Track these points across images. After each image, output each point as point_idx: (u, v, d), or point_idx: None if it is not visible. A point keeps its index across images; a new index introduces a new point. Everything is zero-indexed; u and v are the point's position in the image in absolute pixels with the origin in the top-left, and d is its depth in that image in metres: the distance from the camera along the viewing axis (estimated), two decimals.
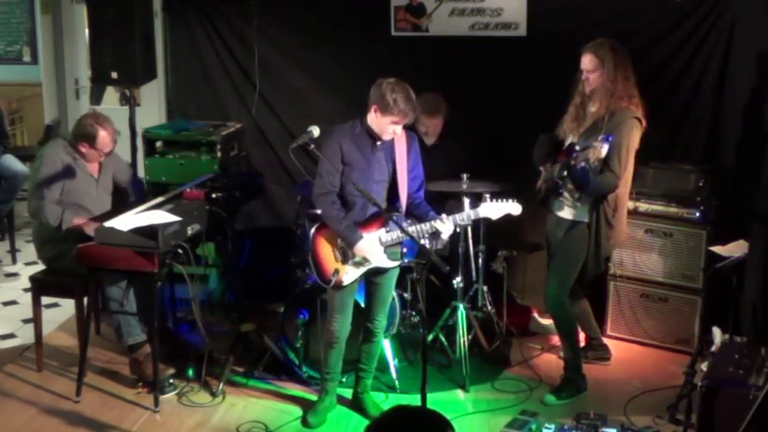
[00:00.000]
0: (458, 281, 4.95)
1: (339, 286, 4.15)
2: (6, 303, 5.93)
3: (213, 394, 4.59)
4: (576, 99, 4.45)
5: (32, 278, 4.88)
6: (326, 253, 4.17)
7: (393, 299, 4.67)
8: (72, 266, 4.52)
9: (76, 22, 7.92)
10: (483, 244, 5.07)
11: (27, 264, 6.51)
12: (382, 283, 4.26)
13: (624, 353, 5.13)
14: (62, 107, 8.13)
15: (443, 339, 5.01)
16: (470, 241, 5.05)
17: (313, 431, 4.32)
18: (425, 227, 4.07)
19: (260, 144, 6.09)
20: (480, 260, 5.10)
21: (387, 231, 4.12)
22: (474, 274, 5.14)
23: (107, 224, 4.25)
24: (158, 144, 5.73)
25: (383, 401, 4.55)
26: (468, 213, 4.19)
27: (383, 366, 4.71)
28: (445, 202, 5.08)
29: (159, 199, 4.75)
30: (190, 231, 4.46)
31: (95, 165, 4.86)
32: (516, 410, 4.35)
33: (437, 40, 5.68)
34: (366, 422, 4.29)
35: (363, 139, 4.10)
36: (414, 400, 4.40)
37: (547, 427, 4.06)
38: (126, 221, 4.26)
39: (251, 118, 6.03)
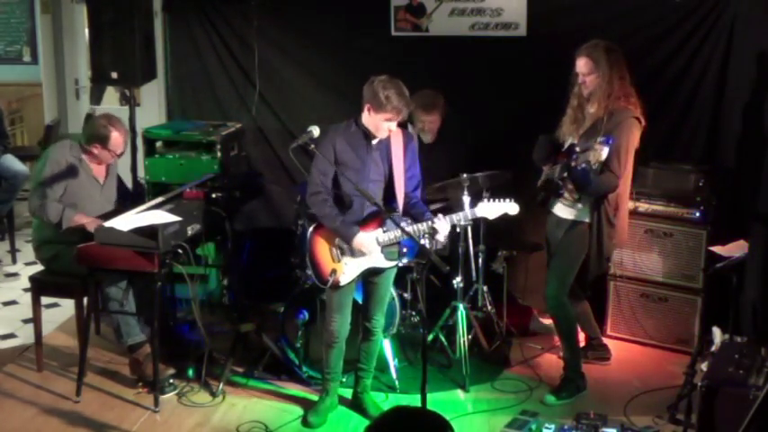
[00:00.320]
0: (458, 281, 4.95)
1: (336, 286, 4.16)
2: (6, 303, 5.93)
3: (213, 394, 4.59)
4: (574, 101, 4.45)
5: (32, 278, 4.88)
6: (324, 253, 4.17)
7: (393, 299, 4.68)
8: (69, 267, 4.52)
9: (76, 22, 7.93)
10: (483, 244, 5.07)
11: (27, 264, 6.51)
12: (379, 283, 4.26)
13: (624, 353, 5.13)
14: (62, 107, 8.14)
15: (443, 339, 5.01)
16: (470, 241, 5.05)
17: (313, 431, 4.32)
18: (422, 226, 4.05)
19: (260, 144, 6.09)
20: (480, 260, 5.10)
21: (384, 231, 4.12)
22: (474, 274, 5.14)
23: (107, 224, 4.26)
24: (158, 144, 5.73)
25: (383, 401, 4.55)
26: (465, 213, 4.18)
27: (383, 366, 4.71)
28: (445, 202, 5.09)
29: (159, 199, 4.75)
30: (190, 231, 4.47)
31: (102, 169, 4.86)
32: (516, 410, 4.35)
33: (437, 40, 5.68)
34: (366, 422, 4.31)
35: (358, 138, 4.10)
36: (414, 400, 4.40)
37: (547, 427, 4.06)
38: (126, 221, 4.26)
39: (251, 118, 6.02)
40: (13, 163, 6.58)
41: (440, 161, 5.20)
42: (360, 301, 4.38)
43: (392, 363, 4.74)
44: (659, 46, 5.31)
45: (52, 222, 4.62)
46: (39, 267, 5.01)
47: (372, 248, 4.09)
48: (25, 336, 5.29)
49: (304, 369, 4.70)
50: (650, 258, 5.14)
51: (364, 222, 4.12)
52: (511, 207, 4.21)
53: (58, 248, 4.66)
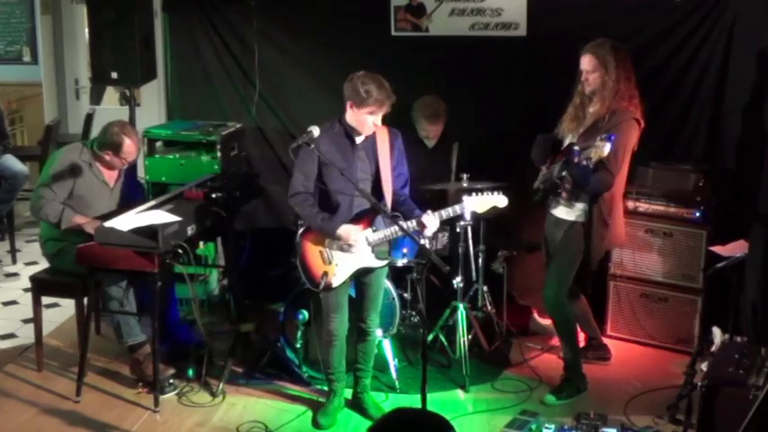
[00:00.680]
0: (458, 281, 4.95)
1: (329, 288, 4.16)
2: (6, 303, 5.93)
3: (213, 394, 4.59)
4: (576, 99, 4.45)
5: (32, 278, 4.88)
6: (314, 257, 4.17)
7: (393, 299, 4.68)
8: (72, 265, 4.52)
9: (76, 22, 7.94)
10: (483, 244, 5.07)
11: (27, 264, 6.51)
12: (372, 282, 4.26)
13: (624, 353, 5.12)
14: (62, 107, 8.14)
15: (443, 339, 5.01)
16: (470, 241, 5.04)
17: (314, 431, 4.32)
18: (411, 223, 4.03)
19: (260, 144, 6.09)
20: (480, 260, 5.10)
21: (374, 231, 4.11)
22: (474, 274, 5.13)
23: (107, 224, 4.26)
24: (158, 144, 5.72)
25: (383, 401, 4.55)
26: (453, 208, 4.12)
27: (383, 366, 4.71)
28: (446, 203, 5.08)
29: (159, 199, 4.75)
30: (190, 231, 4.46)
31: (114, 173, 4.86)
32: (516, 410, 4.35)
33: (437, 40, 5.67)
34: (366, 422, 4.31)
35: (342, 138, 4.09)
36: (414, 400, 4.41)
37: (547, 427, 4.06)
38: (126, 221, 4.26)
39: (251, 118, 6.03)
40: (13, 163, 6.57)
41: (440, 161, 5.20)
42: (353, 295, 4.37)
43: (392, 363, 4.74)
44: (659, 46, 5.30)
45: (51, 222, 4.62)
46: (39, 267, 5.01)
47: (358, 237, 4.07)
48: (25, 336, 5.29)
49: (304, 369, 4.70)
50: (650, 258, 5.14)
51: (353, 223, 4.10)
52: (500, 200, 4.16)
53: (63, 245, 4.67)
